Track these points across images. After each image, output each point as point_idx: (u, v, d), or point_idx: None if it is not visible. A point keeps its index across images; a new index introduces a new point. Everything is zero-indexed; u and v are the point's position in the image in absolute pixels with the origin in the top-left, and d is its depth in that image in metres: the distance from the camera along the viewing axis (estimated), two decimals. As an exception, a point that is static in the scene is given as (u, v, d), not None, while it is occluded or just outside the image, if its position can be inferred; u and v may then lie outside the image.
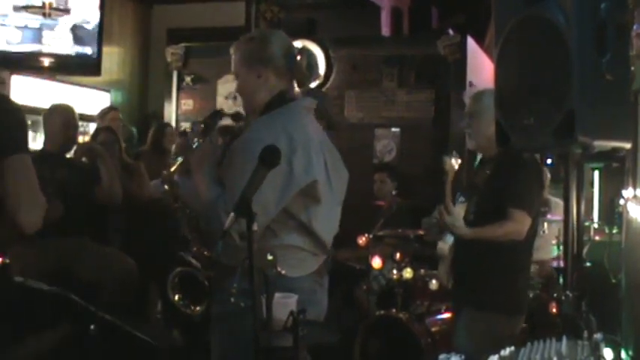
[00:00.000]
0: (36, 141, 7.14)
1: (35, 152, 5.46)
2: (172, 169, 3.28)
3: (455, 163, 3.98)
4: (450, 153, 4.00)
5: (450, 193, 3.78)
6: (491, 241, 3.69)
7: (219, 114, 3.25)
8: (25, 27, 7.08)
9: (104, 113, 6.62)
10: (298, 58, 3.14)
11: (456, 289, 4.10)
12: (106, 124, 6.34)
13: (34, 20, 7.09)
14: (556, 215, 5.39)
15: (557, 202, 5.47)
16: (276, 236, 2.95)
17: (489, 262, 3.77)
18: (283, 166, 2.75)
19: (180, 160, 3.26)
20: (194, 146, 3.13)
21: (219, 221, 2.82)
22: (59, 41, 7.29)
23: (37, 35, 7.15)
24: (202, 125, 3.08)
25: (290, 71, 3.11)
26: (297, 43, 8.15)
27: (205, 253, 3.29)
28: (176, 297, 3.27)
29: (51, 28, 7.22)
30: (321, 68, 8.22)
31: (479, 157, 4.08)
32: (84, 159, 5.35)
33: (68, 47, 7.36)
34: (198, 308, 3.25)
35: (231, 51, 3.16)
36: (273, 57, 3.07)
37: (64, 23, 7.30)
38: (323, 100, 4.24)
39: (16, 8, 6.98)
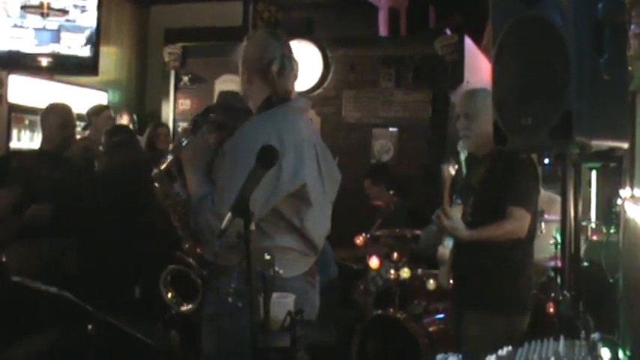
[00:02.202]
0: (34, 141, 7.16)
1: (33, 152, 5.46)
2: (162, 167, 3.28)
3: (452, 169, 3.98)
4: (446, 161, 3.99)
5: (448, 199, 3.78)
6: (493, 241, 3.69)
7: (210, 111, 3.26)
8: (23, 27, 7.08)
9: (97, 112, 6.59)
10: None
11: (456, 290, 4.09)
12: (99, 123, 6.32)
13: (32, 20, 7.09)
14: (553, 215, 5.39)
15: (553, 198, 5.46)
16: (269, 237, 2.95)
17: (490, 263, 3.77)
18: (273, 168, 2.76)
19: (170, 158, 3.26)
20: (184, 144, 3.15)
21: (205, 220, 2.85)
22: (57, 41, 7.29)
23: (35, 35, 7.15)
24: (192, 122, 3.09)
25: (277, 78, 3.10)
26: (294, 44, 8.18)
27: (198, 250, 3.28)
28: (169, 295, 3.26)
29: (49, 28, 7.22)
30: (319, 68, 8.23)
31: (463, 156, 4.04)
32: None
33: (66, 47, 7.35)
34: (190, 306, 3.25)
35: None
36: (266, 66, 3.08)
37: (62, 23, 7.29)
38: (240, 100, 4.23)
39: (14, 8, 6.97)
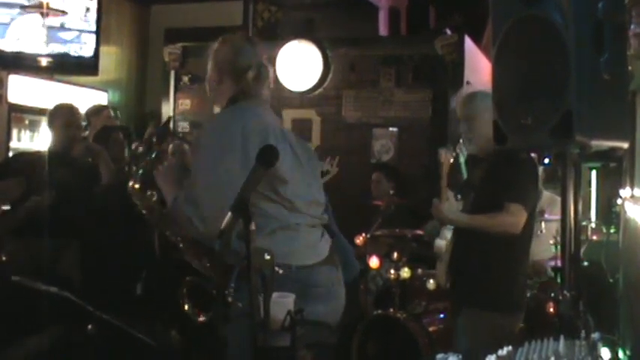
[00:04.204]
0: (34, 141, 7.16)
1: (40, 152, 5.47)
2: (137, 185, 3.33)
3: (450, 156, 4.00)
4: (445, 146, 4.02)
5: (445, 184, 3.81)
6: (486, 232, 3.71)
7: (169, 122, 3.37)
8: (23, 27, 7.07)
9: (96, 112, 6.58)
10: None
11: (454, 288, 4.10)
12: (99, 124, 6.31)
13: (32, 20, 7.08)
14: (553, 215, 5.40)
15: (555, 199, 5.47)
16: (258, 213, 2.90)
17: (488, 261, 3.78)
18: (238, 154, 2.86)
19: (140, 172, 3.33)
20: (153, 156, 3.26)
21: (180, 211, 2.93)
22: (57, 41, 7.29)
23: (35, 35, 7.14)
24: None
25: (253, 84, 3.16)
26: (294, 43, 8.20)
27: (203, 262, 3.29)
28: (186, 307, 3.27)
29: (49, 27, 7.21)
30: (319, 68, 8.22)
31: (462, 158, 4.08)
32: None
33: (66, 47, 7.35)
34: (204, 318, 3.26)
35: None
36: (241, 70, 3.16)
37: (62, 23, 7.29)
38: None
39: (14, 8, 6.97)
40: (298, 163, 3.14)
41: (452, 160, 4.03)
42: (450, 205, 3.84)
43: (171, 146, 5.70)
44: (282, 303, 2.57)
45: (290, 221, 3.04)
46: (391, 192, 6.86)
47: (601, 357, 2.27)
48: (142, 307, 4.84)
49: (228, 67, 3.19)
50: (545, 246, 5.52)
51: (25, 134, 7.25)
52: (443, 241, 4.08)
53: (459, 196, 3.97)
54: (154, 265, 5.15)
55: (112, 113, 6.71)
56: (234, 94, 3.16)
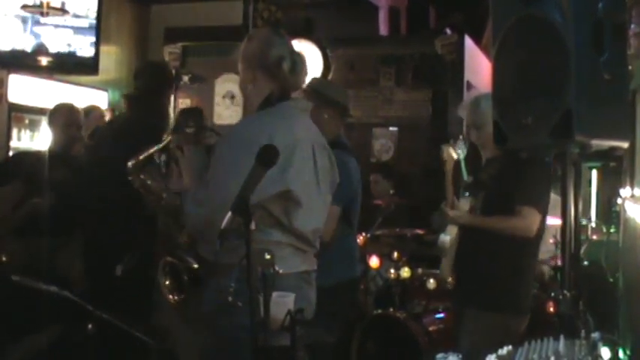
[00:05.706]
0: (34, 140, 7.16)
1: (40, 152, 5.47)
2: (140, 158, 3.28)
3: (453, 152, 3.99)
4: (448, 142, 4.01)
5: (450, 183, 3.79)
6: (498, 236, 3.69)
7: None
8: (23, 26, 7.07)
9: (86, 112, 6.57)
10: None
11: (459, 288, 4.08)
12: (91, 124, 6.31)
13: (32, 19, 7.08)
14: (553, 215, 5.39)
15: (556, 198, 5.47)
16: (260, 231, 2.85)
17: (495, 261, 3.76)
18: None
19: (150, 151, 3.27)
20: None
21: (193, 226, 2.93)
22: (57, 40, 7.28)
23: (35, 34, 7.14)
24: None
25: (290, 75, 3.06)
26: (293, 43, 8.18)
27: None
28: (166, 282, 3.27)
29: (49, 27, 7.21)
30: (319, 67, 8.22)
31: (462, 155, 4.07)
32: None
33: (66, 46, 7.35)
34: (176, 298, 3.26)
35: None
36: (271, 62, 3.03)
37: (62, 22, 7.29)
38: (328, 87, 4.23)
39: (14, 7, 6.97)
40: (317, 188, 3.05)
41: (456, 157, 4.02)
42: (458, 208, 3.83)
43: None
44: (283, 302, 2.57)
45: (283, 240, 2.98)
46: (391, 192, 6.86)
47: (601, 356, 2.27)
48: (141, 306, 4.83)
49: (259, 62, 3.03)
50: (546, 245, 5.51)
51: (25, 134, 7.24)
52: (447, 237, 4.05)
53: (467, 194, 3.95)
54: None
55: (104, 113, 6.71)
56: (272, 92, 3.03)
